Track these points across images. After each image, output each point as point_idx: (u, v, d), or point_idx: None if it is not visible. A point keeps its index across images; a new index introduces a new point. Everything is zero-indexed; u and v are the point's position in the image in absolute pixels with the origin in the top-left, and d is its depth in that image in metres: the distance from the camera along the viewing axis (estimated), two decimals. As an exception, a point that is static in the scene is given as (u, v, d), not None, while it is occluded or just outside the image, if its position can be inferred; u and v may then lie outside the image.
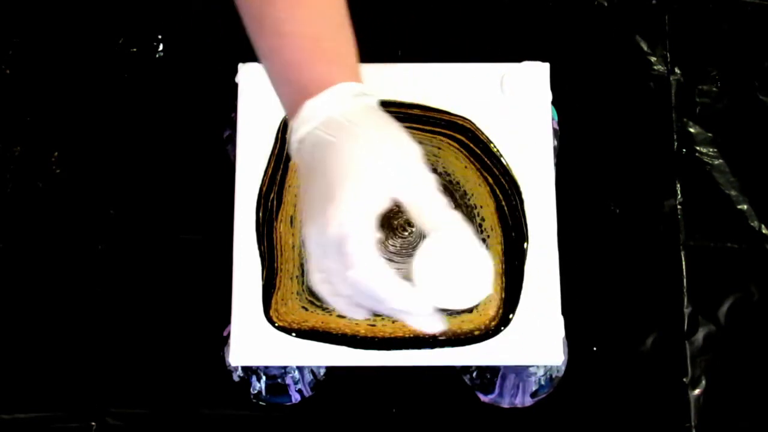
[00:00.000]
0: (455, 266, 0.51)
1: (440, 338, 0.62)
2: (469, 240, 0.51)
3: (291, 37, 0.56)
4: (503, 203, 0.64)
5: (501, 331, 0.62)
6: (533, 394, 0.66)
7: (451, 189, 0.64)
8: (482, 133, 0.65)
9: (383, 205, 0.51)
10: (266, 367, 0.65)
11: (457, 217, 0.52)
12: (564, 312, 0.63)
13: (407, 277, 0.51)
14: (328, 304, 0.52)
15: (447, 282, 0.51)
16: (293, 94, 0.55)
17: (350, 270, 0.50)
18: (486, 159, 0.65)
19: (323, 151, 0.53)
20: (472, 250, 0.51)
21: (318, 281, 0.52)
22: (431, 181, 0.52)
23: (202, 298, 0.69)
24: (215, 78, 0.67)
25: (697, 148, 0.75)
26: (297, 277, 0.62)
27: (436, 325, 0.51)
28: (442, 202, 0.52)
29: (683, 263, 0.72)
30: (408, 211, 0.52)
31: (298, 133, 0.54)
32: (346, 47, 0.58)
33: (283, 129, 0.65)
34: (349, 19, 0.58)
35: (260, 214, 0.63)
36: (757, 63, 0.76)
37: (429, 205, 0.52)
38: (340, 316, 0.62)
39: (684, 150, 0.74)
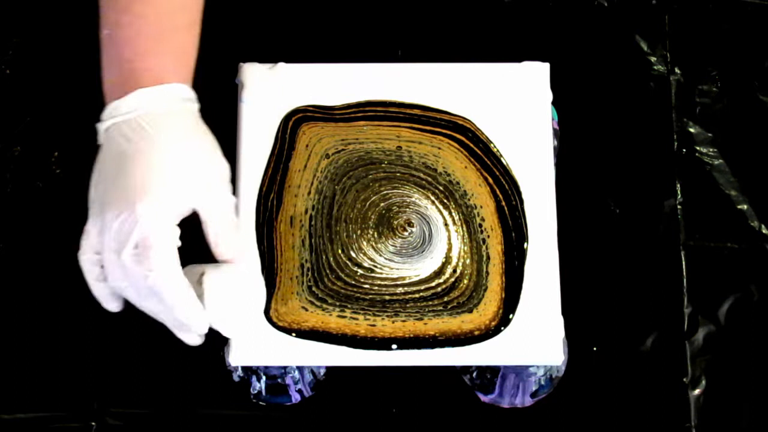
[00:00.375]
0: (238, 294, 0.56)
1: (440, 338, 0.62)
2: (254, 272, 0.58)
3: (143, 18, 0.56)
4: (503, 203, 0.64)
5: (501, 331, 0.62)
6: (533, 394, 0.66)
7: (451, 189, 0.64)
8: (482, 133, 0.65)
9: (184, 214, 0.53)
10: (266, 367, 0.65)
11: (245, 247, 0.57)
12: (564, 312, 0.63)
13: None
14: (88, 284, 0.54)
15: (229, 306, 0.56)
16: (125, 75, 0.55)
17: (151, 273, 0.51)
18: (486, 159, 0.65)
19: (138, 145, 0.54)
20: (255, 282, 0.57)
21: (87, 260, 0.53)
22: (231, 204, 0.56)
23: (202, 298, 0.69)
24: (215, 78, 0.67)
25: (697, 148, 0.75)
26: (297, 277, 0.62)
27: (195, 341, 0.56)
28: (237, 227, 0.56)
29: (683, 263, 0.72)
30: (205, 227, 0.55)
31: (118, 116, 0.54)
32: (191, 47, 0.59)
33: (283, 129, 0.65)
34: (200, 21, 0.58)
35: (260, 214, 0.63)
36: (757, 63, 0.76)
37: (226, 229, 0.55)
38: (340, 317, 0.62)
39: (684, 150, 0.74)
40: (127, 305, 0.56)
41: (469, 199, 0.64)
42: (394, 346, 0.61)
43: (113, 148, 0.54)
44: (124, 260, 0.52)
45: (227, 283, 0.55)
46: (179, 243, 0.53)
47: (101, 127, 0.55)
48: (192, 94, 0.57)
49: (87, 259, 0.54)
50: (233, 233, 0.56)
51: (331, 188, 0.64)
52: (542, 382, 0.66)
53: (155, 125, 0.54)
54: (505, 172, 0.65)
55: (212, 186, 0.55)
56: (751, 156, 0.74)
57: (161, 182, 0.53)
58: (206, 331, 0.55)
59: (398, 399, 0.68)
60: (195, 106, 0.57)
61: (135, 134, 0.54)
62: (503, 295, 0.62)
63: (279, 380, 0.65)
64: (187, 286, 0.53)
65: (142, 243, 0.52)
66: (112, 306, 0.56)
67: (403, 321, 0.62)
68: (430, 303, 0.62)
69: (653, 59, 0.76)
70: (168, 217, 0.53)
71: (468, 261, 0.63)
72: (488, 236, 0.64)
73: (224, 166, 0.57)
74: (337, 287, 0.62)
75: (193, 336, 0.56)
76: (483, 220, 0.64)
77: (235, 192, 0.64)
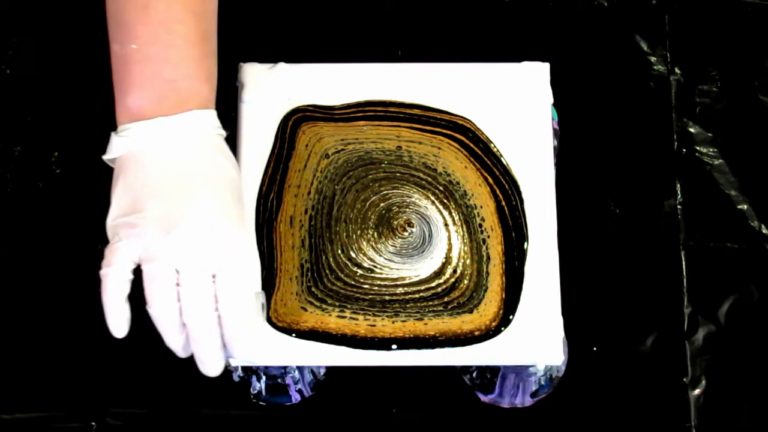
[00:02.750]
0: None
1: (440, 338, 0.62)
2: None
3: (187, 40, 0.54)
4: (503, 203, 0.64)
5: (501, 331, 0.62)
6: (533, 394, 0.66)
7: (451, 189, 0.64)
8: (482, 133, 0.65)
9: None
10: (266, 367, 0.65)
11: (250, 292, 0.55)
12: (564, 312, 0.63)
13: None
14: (107, 303, 0.53)
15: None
16: (165, 94, 0.53)
17: (221, 300, 0.52)
18: (486, 159, 0.65)
19: (203, 169, 0.54)
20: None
21: (118, 279, 0.53)
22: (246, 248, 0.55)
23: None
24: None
25: (697, 148, 0.75)
26: (296, 277, 0.62)
27: (219, 367, 0.55)
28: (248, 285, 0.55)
29: (683, 263, 0.72)
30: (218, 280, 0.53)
31: (157, 133, 0.53)
32: (216, 74, 0.57)
33: (283, 129, 0.65)
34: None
35: (260, 214, 0.63)
36: (757, 63, 0.76)
37: (238, 290, 0.54)
38: (340, 317, 0.62)
39: (684, 150, 0.74)
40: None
41: (469, 199, 0.64)
42: (394, 347, 0.61)
43: (165, 165, 0.53)
44: (198, 284, 0.51)
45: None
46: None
47: (128, 141, 0.53)
48: (219, 123, 0.57)
49: (118, 278, 0.52)
50: (247, 294, 0.55)
51: (331, 188, 0.64)
52: (542, 382, 0.66)
53: (205, 149, 0.54)
54: (505, 172, 0.65)
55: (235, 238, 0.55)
56: (751, 156, 0.74)
57: (233, 206, 0.54)
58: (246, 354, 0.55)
59: (398, 399, 0.68)
60: (223, 133, 0.57)
61: (192, 155, 0.53)
62: (503, 296, 0.62)
63: (279, 380, 0.65)
64: (177, 325, 0.53)
65: (223, 267, 0.51)
66: (123, 331, 0.53)
67: (403, 321, 0.62)
68: (430, 303, 0.62)
69: (653, 59, 0.76)
70: (244, 240, 0.54)
71: (468, 261, 0.63)
72: (488, 236, 0.64)
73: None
74: (337, 287, 0.62)
75: (222, 363, 0.55)
76: (483, 220, 0.64)
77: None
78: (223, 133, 0.57)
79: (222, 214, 0.53)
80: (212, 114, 0.56)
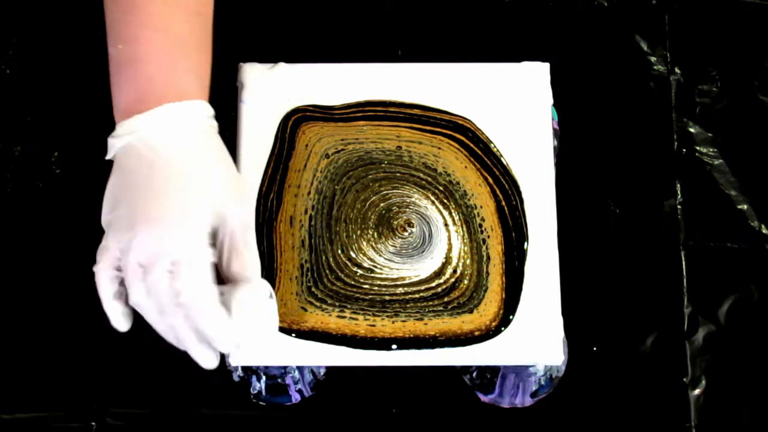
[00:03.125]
0: (258, 312, 0.55)
1: (440, 338, 0.62)
2: (269, 292, 0.56)
3: (168, 34, 0.55)
4: (503, 203, 0.64)
5: (501, 331, 0.62)
6: (533, 394, 0.66)
7: (451, 189, 0.64)
8: (482, 133, 0.65)
9: (209, 228, 0.53)
10: (266, 367, 0.65)
11: (259, 266, 0.56)
12: (564, 312, 0.63)
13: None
14: (102, 300, 0.54)
15: (253, 323, 0.55)
16: (145, 91, 0.54)
17: (184, 290, 0.51)
18: (486, 159, 0.65)
19: (169, 160, 0.54)
20: (270, 302, 0.56)
21: (105, 277, 0.53)
22: (251, 220, 0.57)
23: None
24: (215, 78, 0.67)
25: (697, 148, 0.75)
26: (296, 277, 0.62)
27: (213, 362, 0.55)
28: (254, 246, 0.56)
29: (683, 263, 0.72)
30: (222, 245, 0.54)
31: (141, 130, 0.53)
32: (208, 66, 0.58)
33: (283, 129, 0.65)
34: (211, 40, 0.58)
35: (260, 214, 0.63)
36: (757, 63, 0.76)
37: (246, 250, 0.54)
38: (340, 317, 0.62)
39: (684, 150, 0.74)
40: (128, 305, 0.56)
41: (469, 199, 0.64)
42: (394, 347, 0.61)
43: (140, 162, 0.53)
44: (156, 279, 0.51)
45: (250, 300, 0.54)
46: (213, 259, 0.53)
47: (118, 141, 0.54)
48: (212, 112, 0.57)
49: (106, 275, 0.53)
50: (251, 251, 0.56)
51: (331, 188, 0.64)
52: (542, 382, 0.66)
53: (186, 141, 0.54)
54: (505, 172, 0.65)
55: (234, 203, 0.55)
56: (751, 156, 0.74)
57: (195, 199, 0.53)
58: (234, 348, 0.54)
59: (398, 399, 0.68)
60: (216, 124, 0.57)
61: (165, 150, 0.53)
62: (503, 296, 0.62)
63: (279, 380, 0.65)
64: (219, 303, 0.53)
65: (179, 260, 0.51)
66: (123, 325, 0.54)
67: (403, 321, 0.62)
68: (430, 303, 0.62)
69: (653, 59, 0.76)
70: (203, 234, 0.53)
71: (468, 261, 0.63)
72: (488, 236, 0.64)
73: (242, 184, 0.57)
74: (337, 287, 0.62)
75: (211, 357, 0.54)
76: (483, 220, 0.64)
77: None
78: (212, 122, 0.56)
79: (182, 208, 0.53)
80: (192, 105, 0.55)
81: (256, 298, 0.54)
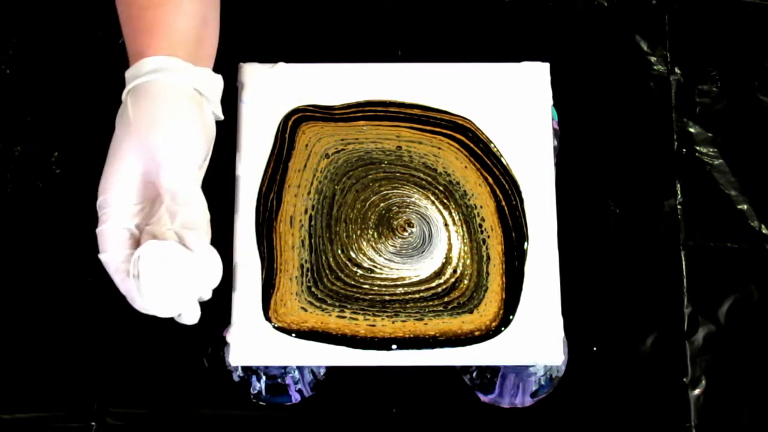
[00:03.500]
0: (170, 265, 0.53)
1: (440, 338, 0.62)
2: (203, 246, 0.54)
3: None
4: (503, 203, 0.64)
5: (501, 331, 0.62)
6: (533, 394, 0.66)
7: (451, 189, 0.64)
8: (482, 133, 0.65)
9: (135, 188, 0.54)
10: (266, 367, 0.65)
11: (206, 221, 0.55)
12: (564, 312, 0.63)
13: None
14: (118, 271, 0.54)
15: (168, 285, 0.53)
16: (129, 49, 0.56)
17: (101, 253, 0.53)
18: (486, 159, 0.65)
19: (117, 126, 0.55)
20: (208, 257, 0.54)
21: (119, 230, 0.55)
22: (197, 180, 0.55)
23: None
24: (215, 78, 0.67)
25: (697, 148, 0.75)
26: (296, 277, 0.62)
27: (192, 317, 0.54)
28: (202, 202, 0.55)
29: (683, 263, 0.72)
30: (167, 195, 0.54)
31: (150, 73, 0.55)
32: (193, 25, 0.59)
33: (283, 129, 0.65)
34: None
35: (260, 214, 0.63)
36: (757, 63, 0.76)
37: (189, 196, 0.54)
38: (340, 317, 0.62)
39: (684, 150, 0.74)
40: (128, 305, 0.56)
41: (469, 199, 0.64)
42: (394, 347, 0.61)
43: (118, 118, 0.55)
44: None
45: (151, 255, 0.53)
46: (131, 228, 0.54)
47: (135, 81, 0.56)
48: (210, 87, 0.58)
49: (119, 228, 0.54)
50: (202, 207, 0.55)
51: (331, 188, 0.64)
52: (542, 382, 0.66)
53: (139, 99, 0.55)
54: (505, 172, 0.65)
55: (179, 164, 0.55)
56: (751, 156, 0.74)
57: (122, 152, 0.55)
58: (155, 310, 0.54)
59: (398, 399, 0.68)
60: (201, 99, 0.57)
61: (125, 110, 0.55)
62: (503, 296, 0.62)
63: (279, 380, 0.65)
64: (123, 271, 0.53)
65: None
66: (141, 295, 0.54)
67: (403, 321, 0.62)
68: (431, 303, 0.62)
69: (653, 59, 0.76)
70: (117, 198, 0.55)
71: (468, 261, 0.63)
72: (488, 236, 0.64)
73: (200, 148, 0.57)
74: (337, 287, 0.62)
75: (161, 303, 0.54)
76: (483, 220, 0.64)
77: (234, 192, 0.64)
78: (188, 81, 0.56)
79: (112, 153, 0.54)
80: (156, 60, 0.56)
81: (162, 252, 0.53)
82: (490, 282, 0.63)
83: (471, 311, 0.62)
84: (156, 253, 0.53)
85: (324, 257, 0.63)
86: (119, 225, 0.54)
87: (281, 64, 0.66)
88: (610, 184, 0.73)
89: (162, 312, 0.54)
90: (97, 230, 0.54)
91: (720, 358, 0.70)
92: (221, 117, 0.59)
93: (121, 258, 0.53)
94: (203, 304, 0.71)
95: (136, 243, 0.54)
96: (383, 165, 0.65)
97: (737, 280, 0.72)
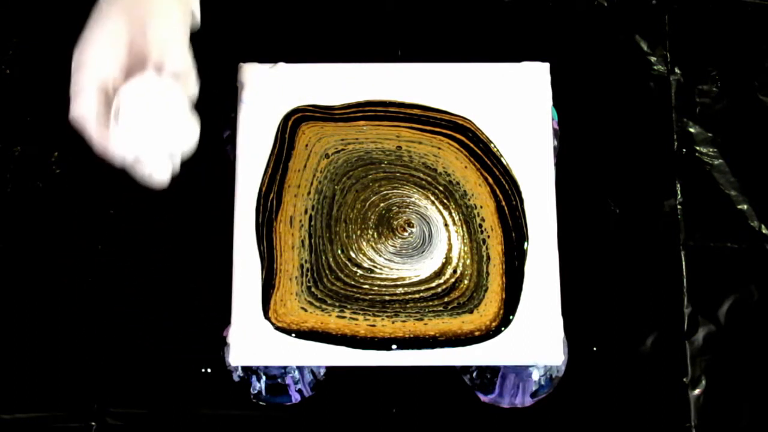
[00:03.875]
0: (163, 112, 0.52)
1: (440, 338, 0.62)
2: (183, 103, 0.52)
3: None
4: (503, 203, 0.64)
5: (501, 331, 0.62)
6: (533, 394, 0.66)
7: (451, 189, 0.64)
8: (482, 133, 0.65)
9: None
10: (266, 367, 0.65)
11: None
12: (564, 312, 0.63)
13: None
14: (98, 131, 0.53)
15: (149, 125, 0.51)
16: None
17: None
18: (486, 159, 0.65)
19: None
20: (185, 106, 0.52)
21: (96, 91, 0.54)
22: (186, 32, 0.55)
23: (202, 299, 0.69)
24: (215, 78, 0.67)
25: (697, 148, 0.75)
26: (296, 277, 0.62)
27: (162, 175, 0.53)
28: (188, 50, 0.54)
29: (683, 263, 0.72)
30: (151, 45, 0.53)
31: None
32: None
33: (283, 129, 0.65)
34: None
35: (260, 214, 0.63)
36: (757, 63, 0.76)
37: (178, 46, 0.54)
38: (340, 317, 0.62)
39: (684, 150, 0.74)
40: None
41: (469, 199, 0.64)
42: (394, 347, 0.61)
43: None
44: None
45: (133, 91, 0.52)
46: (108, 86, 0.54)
47: None
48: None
49: (96, 88, 0.53)
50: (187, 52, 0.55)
51: (331, 188, 0.64)
52: (542, 382, 0.66)
53: None
54: (505, 172, 0.65)
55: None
56: (751, 156, 0.74)
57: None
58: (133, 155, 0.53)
59: (398, 399, 0.68)
60: None
61: None
62: (503, 296, 0.62)
63: (279, 380, 0.65)
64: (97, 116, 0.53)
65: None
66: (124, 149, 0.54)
67: (403, 321, 0.62)
68: (430, 303, 0.62)
69: (653, 59, 0.76)
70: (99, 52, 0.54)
71: (468, 261, 0.63)
72: (488, 236, 0.64)
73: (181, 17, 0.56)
74: (337, 288, 0.62)
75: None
76: (483, 220, 0.64)
77: (234, 192, 0.64)
78: None
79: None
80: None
81: (146, 85, 0.52)
82: (490, 282, 0.63)
83: (471, 311, 0.62)
84: (140, 86, 0.52)
85: (324, 257, 0.63)
86: (97, 79, 0.53)
87: (281, 64, 0.66)
88: (610, 184, 0.73)
89: (137, 148, 0.52)
90: (72, 90, 0.53)
91: (720, 358, 0.70)
92: (198, 21, 0.58)
93: (98, 109, 0.53)
94: (203, 305, 0.71)
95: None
96: (383, 165, 0.65)
97: (737, 280, 0.72)
